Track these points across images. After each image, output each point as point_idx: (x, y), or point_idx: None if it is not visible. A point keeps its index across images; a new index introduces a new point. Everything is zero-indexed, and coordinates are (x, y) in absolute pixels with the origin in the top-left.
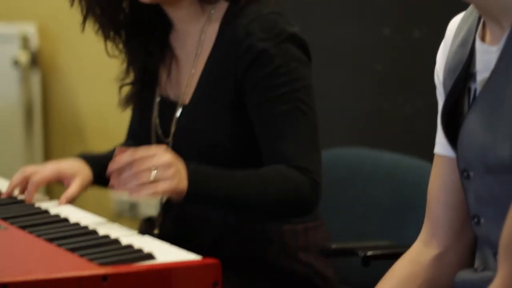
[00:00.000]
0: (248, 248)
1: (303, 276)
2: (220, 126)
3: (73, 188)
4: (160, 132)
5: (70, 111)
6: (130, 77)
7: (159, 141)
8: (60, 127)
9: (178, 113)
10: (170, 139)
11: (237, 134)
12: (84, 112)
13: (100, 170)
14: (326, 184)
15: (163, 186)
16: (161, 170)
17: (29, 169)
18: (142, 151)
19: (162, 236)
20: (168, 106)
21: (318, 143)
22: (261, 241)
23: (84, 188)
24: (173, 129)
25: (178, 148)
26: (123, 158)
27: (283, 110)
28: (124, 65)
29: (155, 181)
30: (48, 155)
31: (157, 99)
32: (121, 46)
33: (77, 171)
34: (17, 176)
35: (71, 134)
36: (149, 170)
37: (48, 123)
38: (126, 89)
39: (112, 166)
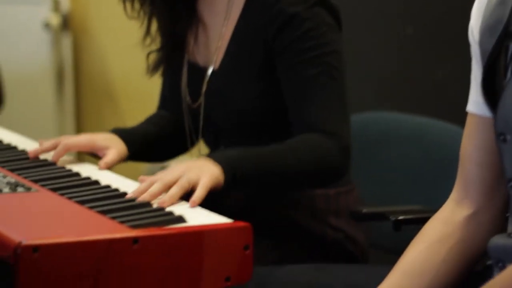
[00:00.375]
0: (279, 212)
1: (334, 240)
2: (249, 90)
3: (110, 155)
4: (189, 98)
5: (101, 74)
6: (157, 43)
7: (189, 108)
8: (91, 90)
9: (207, 79)
10: (199, 104)
11: (266, 98)
12: (115, 75)
13: (134, 145)
14: (357, 149)
15: (203, 183)
16: (187, 174)
17: (62, 137)
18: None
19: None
20: (197, 71)
21: (346, 107)
22: (293, 205)
23: (119, 160)
24: (202, 94)
25: (207, 114)
26: (142, 185)
27: (312, 74)
28: (144, 29)
29: (189, 183)
30: (79, 118)
31: (186, 65)
32: (140, 8)
33: (112, 144)
34: (49, 143)
35: (102, 97)
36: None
37: (79, 86)
38: (153, 57)
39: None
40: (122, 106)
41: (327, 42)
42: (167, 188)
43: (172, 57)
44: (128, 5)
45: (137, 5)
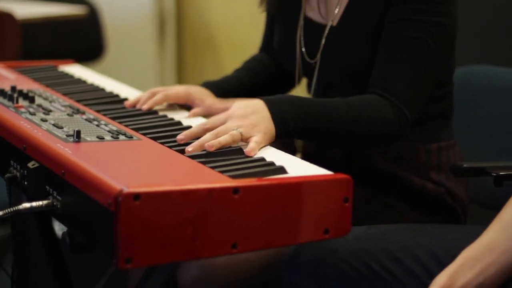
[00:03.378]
0: (379, 164)
1: (434, 194)
2: (365, 48)
3: (206, 103)
4: (305, 54)
5: (203, 24)
6: None
7: (304, 62)
8: (193, 40)
9: (325, 34)
10: (316, 59)
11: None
12: (217, 25)
13: (226, 96)
14: (458, 102)
15: (255, 139)
16: (242, 127)
17: (159, 89)
18: (210, 120)
19: (293, 151)
20: (314, 27)
21: (429, 79)
22: (393, 157)
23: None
24: (320, 49)
25: (323, 68)
26: (194, 129)
27: (410, 36)
28: None
29: (241, 136)
30: (180, 68)
31: (301, 21)
32: None
33: (205, 97)
34: (146, 94)
35: (204, 47)
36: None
37: (181, 36)
38: None
39: (183, 137)
40: (223, 56)
41: (439, 12)
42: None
43: (289, 12)
44: None
45: None
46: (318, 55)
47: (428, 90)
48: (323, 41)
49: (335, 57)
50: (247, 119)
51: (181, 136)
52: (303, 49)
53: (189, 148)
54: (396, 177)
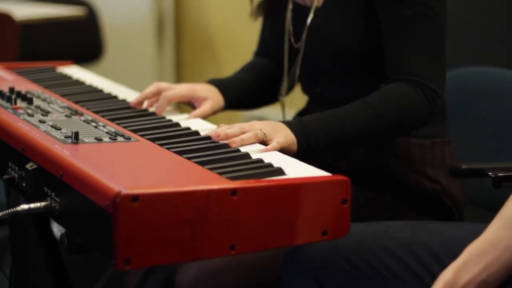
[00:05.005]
0: (374, 161)
1: (430, 191)
2: (351, 29)
3: (203, 108)
4: (292, 38)
5: (202, 24)
6: None
7: (291, 48)
8: (192, 40)
9: (310, 17)
10: (301, 43)
11: (368, 38)
12: (215, 25)
13: (231, 95)
14: (456, 103)
15: (277, 141)
16: (265, 129)
17: (164, 85)
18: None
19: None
20: (301, 11)
21: (442, 50)
22: (388, 153)
23: (214, 112)
24: (305, 33)
25: (309, 52)
26: (220, 129)
27: (408, 14)
28: None
29: (264, 135)
30: (179, 69)
31: (290, 6)
32: None
33: (210, 94)
34: (151, 89)
35: (202, 48)
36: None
37: (179, 36)
38: (257, 0)
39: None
40: (222, 56)
41: None
42: (243, 133)
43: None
44: None
45: None
46: (303, 38)
47: (444, 60)
48: (308, 23)
49: (319, 40)
50: (270, 125)
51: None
52: (292, 37)
53: (213, 133)
54: (391, 173)
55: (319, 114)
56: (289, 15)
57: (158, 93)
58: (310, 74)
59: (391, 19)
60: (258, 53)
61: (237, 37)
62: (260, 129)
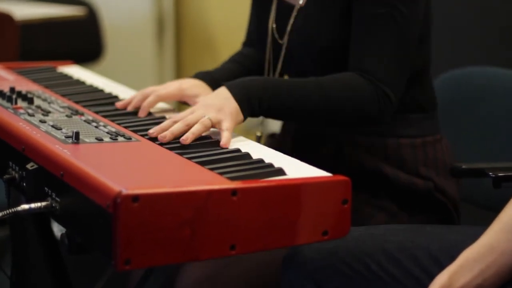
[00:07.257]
0: (366, 162)
1: (424, 190)
2: (332, 29)
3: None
4: (276, 35)
5: (202, 24)
6: None
7: (274, 43)
8: (192, 40)
9: (294, 14)
10: (284, 40)
11: (348, 38)
12: (215, 25)
13: (219, 86)
14: (456, 103)
15: (226, 127)
16: (209, 114)
17: (150, 89)
18: (179, 114)
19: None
20: (285, 9)
21: (403, 55)
22: (380, 154)
23: None
24: (288, 30)
25: (292, 50)
26: (164, 123)
27: (376, 13)
28: None
29: (211, 122)
30: (179, 68)
31: (275, 3)
32: None
33: (199, 91)
34: (137, 96)
35: (202, 48)
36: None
37: (179, 36)
38: None
39: (153, 132)
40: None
41: None
42: (189, 127)
43: None
44: None
45: None
46: (286, 36)
47: (405, 67)
48: (291, 21)
49: (302, 39)
50: (212, 106)
51: (151, 130)
52: (276, 33)
53: (151, 130)
54: (383, 175)
55: (267, 78)
56: (273, 11)
57: (145, 98)
58: (293, 70)
59: (359, 15)
60: (246, 44)
61: (237, 37)
62: (205, 116)
